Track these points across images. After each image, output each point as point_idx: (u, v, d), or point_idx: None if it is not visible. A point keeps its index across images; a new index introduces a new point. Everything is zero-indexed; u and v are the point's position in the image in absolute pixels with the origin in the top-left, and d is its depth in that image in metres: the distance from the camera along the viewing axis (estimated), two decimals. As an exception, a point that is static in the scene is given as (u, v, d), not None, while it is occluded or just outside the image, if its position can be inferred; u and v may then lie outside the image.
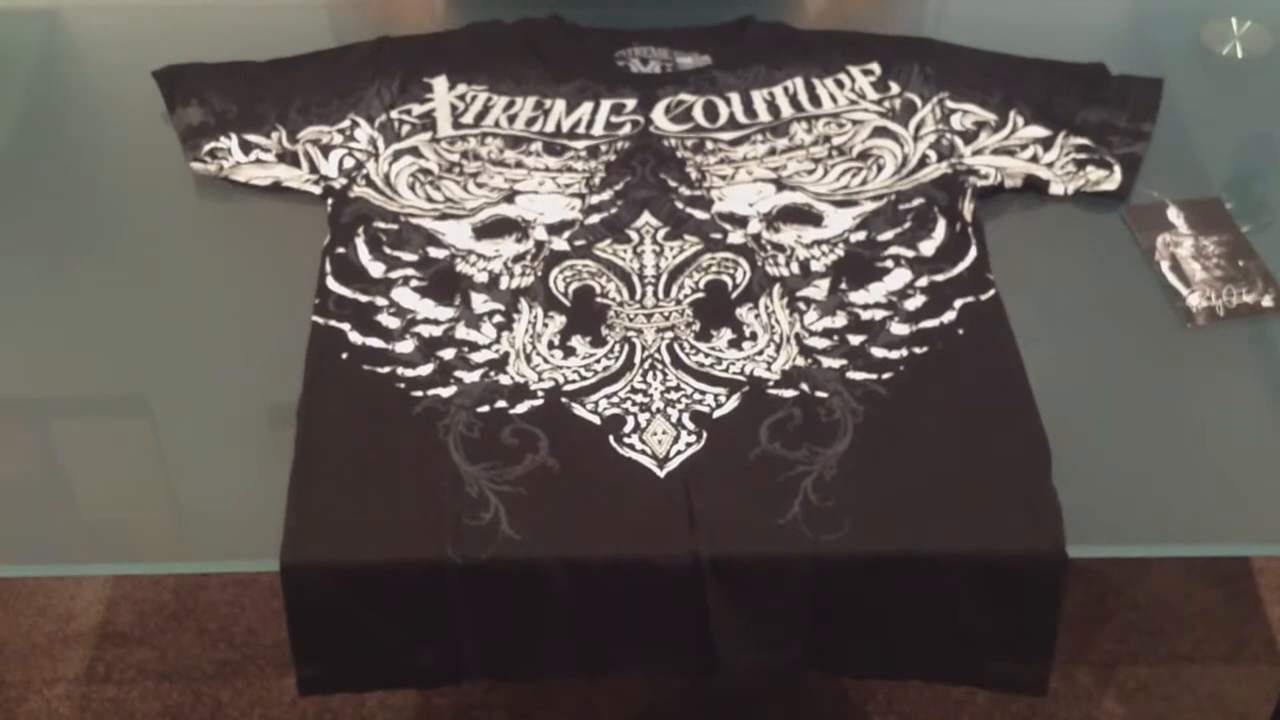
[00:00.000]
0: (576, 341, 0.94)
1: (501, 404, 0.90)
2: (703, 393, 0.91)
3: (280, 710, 1.55)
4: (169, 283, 1.03)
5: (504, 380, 0.92)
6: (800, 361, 0.93)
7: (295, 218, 1.05)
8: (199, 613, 1.63)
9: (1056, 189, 1.07)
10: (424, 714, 1.53)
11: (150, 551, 0.91)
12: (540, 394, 0.91)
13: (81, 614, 1.64)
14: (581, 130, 1.10)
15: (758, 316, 0.96)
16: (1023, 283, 0.99)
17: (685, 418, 0.90)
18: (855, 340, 0.94)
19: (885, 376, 0.92)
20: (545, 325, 0.95)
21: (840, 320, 0.96)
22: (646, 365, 0.93)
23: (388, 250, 1.00)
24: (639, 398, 0.91)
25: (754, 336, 0.95)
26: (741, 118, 1.11)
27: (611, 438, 0.89)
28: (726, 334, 0.95)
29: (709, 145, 1.09)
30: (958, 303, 0.97)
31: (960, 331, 0.95)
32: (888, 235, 1.01)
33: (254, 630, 1.61)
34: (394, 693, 1.55)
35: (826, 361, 0.93)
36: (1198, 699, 1.54)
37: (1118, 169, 1.08)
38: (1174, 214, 1.06)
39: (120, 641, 1.61)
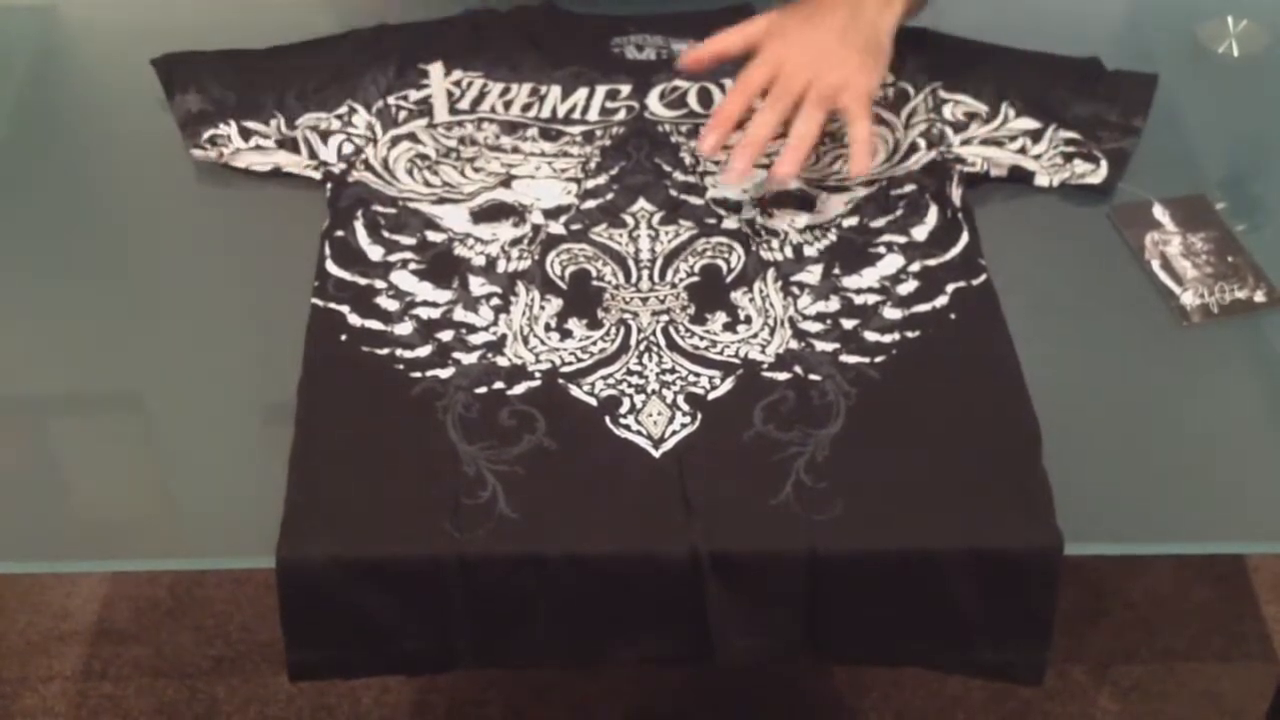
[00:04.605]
0: (573, 324, 0.95)
1: (499, 385, 0.91)
2: (697, 375, 0.91)
3: (275, 707, 1.55)
4: (171, 268, 1.04)
5: (501, 362, 0.92)
6: (794, 345, 0.93)
7: (295, 202, 1.06)
8: (195, 610, 1.63)
9: (1041, 180, 1.07)
10: (419, 712, 1.53)
11: (146, 548, 0.91)
12: (537, 375, 0.91)
13: (77, 611, 1.64)
14: (577, 116, 1.11)
15: (752, 300, 0.96)
16: (1013, 285, 0.98)
17: (680, 399, 0.90)
18: (848, 324, 0.95)
19: (878, 360, 0.92)
20: (542, 308, 0.96)
21: (833, 304, 0.96)
22: (642, 348, 0.93)
23: (386, 234, 1.01)
24: (635, 379, 0.91)
25: (748, 320, 0.95)
26: (736, 104, 1.12)
27: (608, 418, 0.89)
28: (721, 317, 0.95)
29: (703, 131, 1.09)
30: (949, 287, 0.97)
31: (952, 316, 0.96)
32: (880, 222, 1.02)
33: (249, 627, 1.61)
34: (389, 690, 1.56)
35: (820, 345, 0.93)
36: (1193, 696, 1.55)
37: (1104, 163, 1.08)
38: (1159, 211, 1.05)
39: (116, 638, 1.61)
